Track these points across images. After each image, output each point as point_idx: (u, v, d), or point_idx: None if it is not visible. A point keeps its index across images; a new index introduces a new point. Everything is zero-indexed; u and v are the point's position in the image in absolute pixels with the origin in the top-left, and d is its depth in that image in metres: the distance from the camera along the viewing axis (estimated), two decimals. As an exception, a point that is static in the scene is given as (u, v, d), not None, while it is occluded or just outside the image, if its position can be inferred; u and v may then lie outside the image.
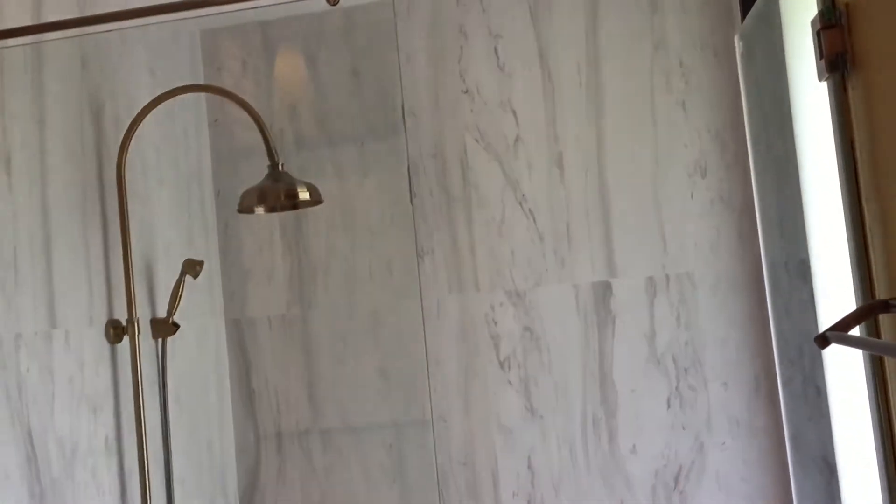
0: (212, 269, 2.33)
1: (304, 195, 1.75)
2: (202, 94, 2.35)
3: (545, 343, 2.18)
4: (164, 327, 1.99)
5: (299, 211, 2.32)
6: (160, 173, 2.12)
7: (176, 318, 2.03)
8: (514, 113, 2.22)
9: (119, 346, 1.85)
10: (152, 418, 1.95)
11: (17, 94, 1.62)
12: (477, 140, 2.24)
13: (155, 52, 2.15)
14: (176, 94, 1.88)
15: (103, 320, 1.82)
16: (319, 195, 1.81)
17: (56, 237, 1.69)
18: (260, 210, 1.89)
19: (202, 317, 2.25)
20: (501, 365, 2.20)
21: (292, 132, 2.34)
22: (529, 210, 2.20)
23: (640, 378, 2.13)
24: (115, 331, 1.84)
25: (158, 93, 1.90)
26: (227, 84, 2.35)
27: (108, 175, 1.88)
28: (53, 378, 1.63)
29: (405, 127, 2.26)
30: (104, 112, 1.90)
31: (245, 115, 1.95)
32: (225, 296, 2.36)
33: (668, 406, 2.12)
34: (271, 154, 1.77)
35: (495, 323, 2.21)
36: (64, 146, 1.75)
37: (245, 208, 1.80)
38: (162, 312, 2.03)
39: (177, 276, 2.01)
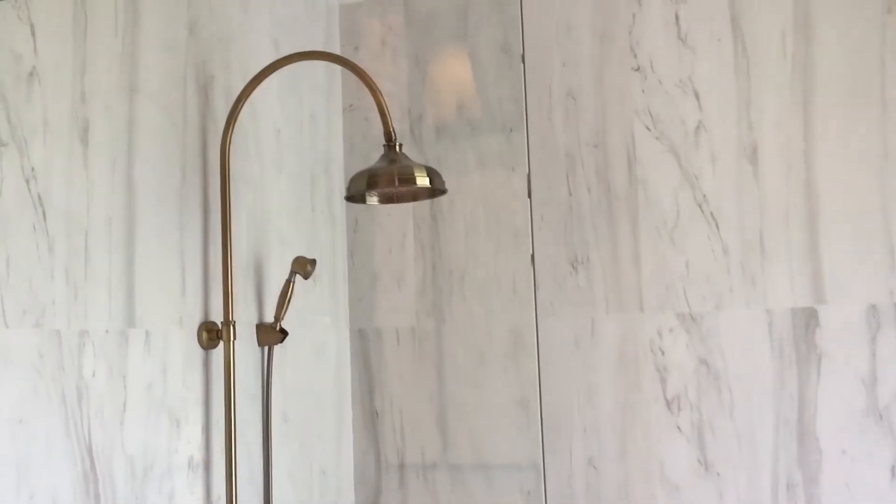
0: (337, 271, 2.07)
1: (422, 180, 1.43)
2: (337, 76, 2.10)
3: (726, 381, 1.74)
4: (271, 334, 1.74)
5: (435, 209, 2.02)
6: (280, 160, 1.88)
7: (290, 323, 1.77)
8: (696, 94, 1.80)
9: (213, 351, 1.61)
10: (250, 436, 1.69)
11: (103, 54, 1.42)
12: (648, 127, 1.84)
13: (282, 24, 1.92)
14: (291, 62, 1.62)
15: (196, 322, 1.58)
16: (443, 183, 1.49)
17: (141, 223, 1.47)
18: (372, 199, 1.59)
19: (323, 324, 1.99)
20: (669, 405, 1.78)
21: (432, 118, 2.04)
22: (711, 214, 1.77)
23: (853, 436, 1.64)
24: (209, 334, 1.60)
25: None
26: (365, 63, 2.09)
27: (213, 156, 1.65)
28: (126, 384, 1.40)
29: (555, 111, 1.89)
30: (213, 85, 1.68)
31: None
32: (351, 302, 2.09)
33: (893, 476, 1.61)
34: (388, 131, 1.46)
35: (662, 352, 1.79)
36: (159, 119, 1.53)
37: (353, 194, 1.51)
38: (270, 316, 1.78)
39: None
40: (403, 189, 1.51)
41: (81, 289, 1.33)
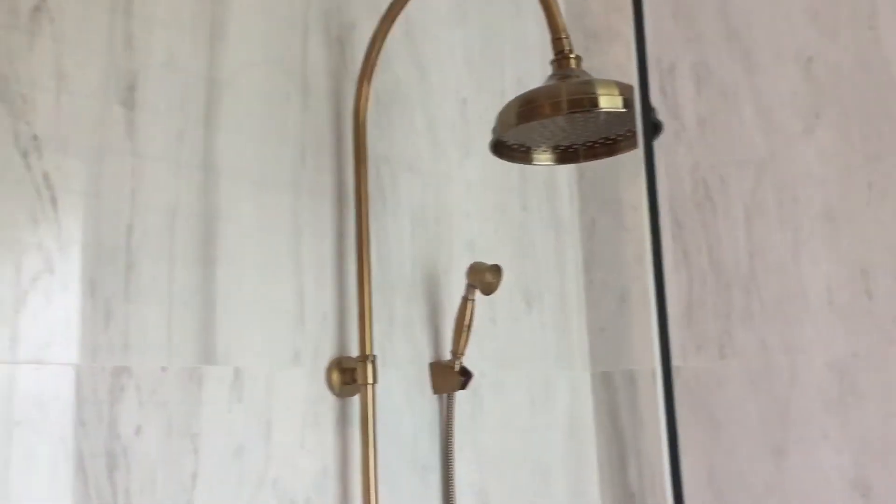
0: (567, 291, 1.49)
1: (609, 100, 0.83)
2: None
3: None
4: (448, 376, 1.22)
5: (700, 193, 1.37)
6: (467, 140, 1.38)
7: (488, 362, 1.26)
8: None
9: (354, 400, 1.13)
10: (416, 527, 1.17)
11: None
12: None
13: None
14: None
15: (325, 357, 1.12)
16: (654, 117, 0.87)
17: (227, 218, 1.05)
18: (543, 154, 1.01)
19: (544, 365, 1.43)
20: None
21: (690, 66, 1.41)
22: None
23: None
24: (344, 375, 1.12)
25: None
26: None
27: (350, 133, 1.20)
28: (197, 447, 0.97)
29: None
30: (352, 36, 1.23)
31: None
32: (590, 334, 1.50)
33: None
34: (558, 36, 0.89)
35: None
36: (258, 77, 1.12)
37: (500, 140, 0.95)
38: (445, 351, 1.27)
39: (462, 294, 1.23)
40: (587, 129, 0.91)
41: (118, 307, 0.93)
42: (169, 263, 0.98)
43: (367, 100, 1.15)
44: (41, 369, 0.86)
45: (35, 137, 0.89)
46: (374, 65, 1.14)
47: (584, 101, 0.83)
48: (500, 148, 0.98)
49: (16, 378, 0.84)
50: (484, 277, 1.17)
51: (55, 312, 0.88)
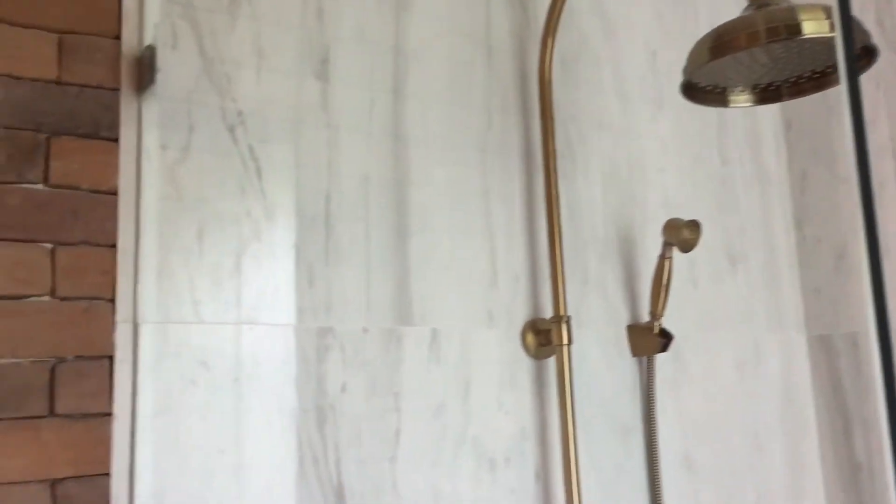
0: (777, 249, 1.40)
1: (813, 25, 0.75)
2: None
3: None
4: (646, 338, 1.18)
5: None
6: (659, 93, 1.32)
7: (691, 324, 1.21)
8: None
9: (549, 362, 1.12)
10: (622, 487, 1.15)
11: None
12: None
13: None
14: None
15: (519, 319, 1.12)
16: (867, 36, 0.79)
17: (417, 183, 1.07)
18: (740, 95, 0.93)
19: (753, 328, 1.34)
20: None
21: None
22: None
23: None
24: (539, 337, 1.11)
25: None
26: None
27: (537, 92, 1.19)
28: (399, 405, 1.00)
29: None
30: (534, -4, 1.22)
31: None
32: (804, 295, 1.40)
33: None
34: (752, -38, 0.83)
35: None
36: (442, 44, 1.12)
37: (691, 76, 0.89)
38: (644, 312, 1.22)
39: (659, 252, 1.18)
40: (790, 62, 0.84)
41: (320, 271, 0.98)
42: (365, 229, 1.01)
43: (551, 58, 1.13)
44: (255, 329, 0.92)
45: (240, 113, 0.95)
46: (557, 22, 1.11)
47: (785, 29, 0.76)
48: (693, 91, 0.92)
49: (236, 338, 0.90)
50: (681, 234, 1.12)
51: (264, 277, 0.93)
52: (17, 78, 0.83)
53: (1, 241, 0.81)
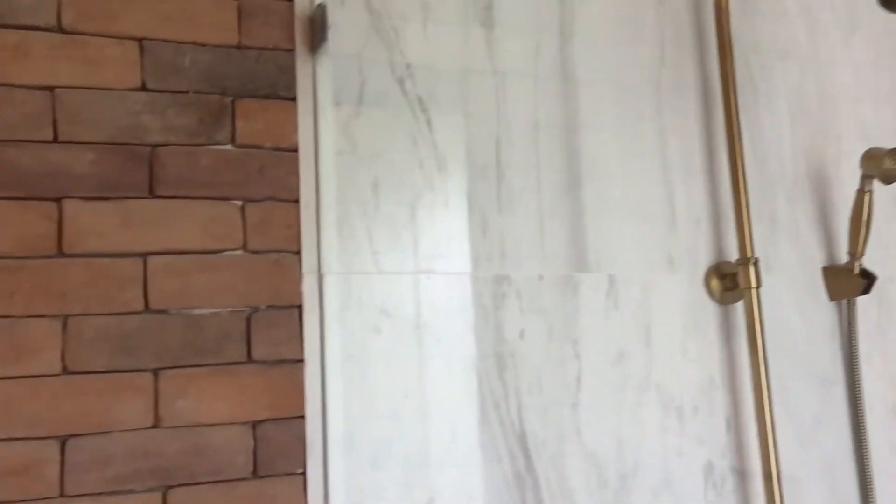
0: None
1: None
2: None
3: None
4: (846, 280, 1.09)
5: None
6: (851, 17, 1.21)
7: (882, 262, 1.11)
8: None
9: (736, 308, 1.07)
10: (826, 440, 1.08)
11: None
12: None
13: None
14: None
15: (702, 263, 1.07)
16: None
17: (588, 126, 1.04)
18: None
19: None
20: None
21: None
22: None
23: None
24: (724, 281, 1.06)
25: None
26: None
27: (713, 23, 1.12)
28: (579, 351, 0.98)
29: None
30: (706, -78, 1.14)
31: None
32: None
33: None
34: None
35: None
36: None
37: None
38: (841, 253, 1.13)
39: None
40: None
41: (493, 219, 0.98)
42: (536, 175, 1.00)
43: (727, -17, 1.06)
44: (432, 278, 0.93)
45: (408, 66, 0.96)
46: (732, -57, 1.04)
47: None
48: (892, 1, 0.83)
49: (415, 287, 0.92)
50: (882, 164, 1.02)
51: (439, 226, 0.94)
52: (203, 45, 0.88)
53: (196, 199, 0.86)
